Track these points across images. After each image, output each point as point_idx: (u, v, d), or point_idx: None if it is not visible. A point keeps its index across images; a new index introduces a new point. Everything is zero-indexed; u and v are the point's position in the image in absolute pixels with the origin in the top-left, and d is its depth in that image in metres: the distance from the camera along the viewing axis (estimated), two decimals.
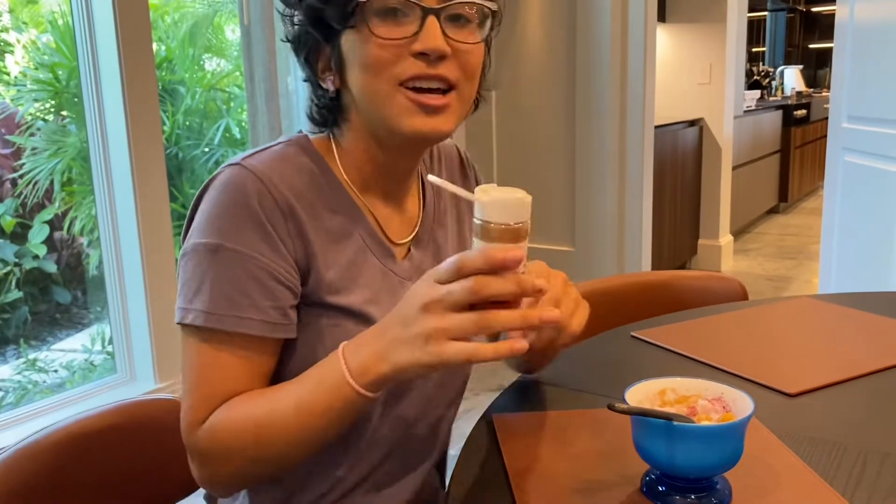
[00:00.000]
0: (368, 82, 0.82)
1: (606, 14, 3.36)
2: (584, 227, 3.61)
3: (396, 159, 0.91)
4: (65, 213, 2.76)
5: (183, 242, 0.84)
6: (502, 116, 3.73)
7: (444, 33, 0.81)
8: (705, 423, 0.72)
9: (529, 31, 3.60)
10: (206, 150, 3.00)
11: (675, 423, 0.68)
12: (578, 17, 3.44)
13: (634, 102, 3.46)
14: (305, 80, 0.91)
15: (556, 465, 0.81)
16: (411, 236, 0.95)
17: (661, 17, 4.43)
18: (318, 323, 0.85)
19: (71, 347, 2.84)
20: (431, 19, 0.80)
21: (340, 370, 0.73)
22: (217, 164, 3.05)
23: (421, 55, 0.80)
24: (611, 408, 0.67)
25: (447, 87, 0.83)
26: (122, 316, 2.33)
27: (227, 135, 3.05)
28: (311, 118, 0.92)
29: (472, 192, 0.69)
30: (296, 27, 0.87)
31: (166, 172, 2.30)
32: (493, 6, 0.85)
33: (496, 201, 0.68)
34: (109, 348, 2.46)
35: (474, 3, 0.83)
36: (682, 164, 4.26)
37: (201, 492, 1.02)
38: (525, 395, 1.02)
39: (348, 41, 0.83)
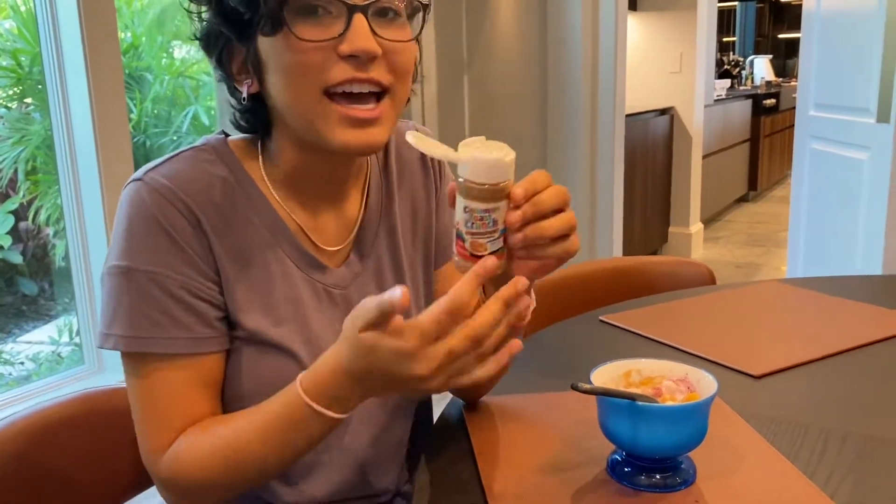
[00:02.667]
0: (291, 90, 0.75)
1: (577, 1, 3.36)
2: None
3: (331, 166, 0.85)
4: (30, 203, 2.71)
5: None
6: (474, 106, 3.72)
7: (373, 32, 0.73)
8: (669, 403, 0.72)
9: (501, 18, 3.59)
10: (175, 137, 2.96)
11: (639, 402, 0.68)
12: (549, 4, 3.44)
13: (605, 91, 3.47)
14: (220, 82, 0.83)
15: (523, 447, 0.82)
16: (348, 241, 0.88)
17: (633, 6, 4.44)
18: (235, 344, 0.82)
19: (38, 339, 2.80)
20: (358, 17, 0.73)
21: (315, 413, 0.70)
22: None
23: (349, 58, 0.73)
24: (574, 388, 0.67)
25: (379, 92, 0.76)
26: (89, 307, 2.29)
27: (196, 122, 3.01)
28: (236, 125, 0.84)
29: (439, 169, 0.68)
30: (204, 23, 0.79)
31: (133, 161, 2.27)
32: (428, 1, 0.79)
33: (477, 161, 0.66)
34: (77, 340, 2.43)
35: (422, 3, 0.78)
36: (652, 153, 4.28)
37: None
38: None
39: (265, 42, 0.75)
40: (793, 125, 3.04)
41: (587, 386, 0.67)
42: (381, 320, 0.64)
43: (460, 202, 0.69)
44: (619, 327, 1.20)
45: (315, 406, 0.69)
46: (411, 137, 0.69)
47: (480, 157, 0.66)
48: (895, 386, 0.97)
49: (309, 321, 0.84)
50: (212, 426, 0.77)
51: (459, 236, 0.70)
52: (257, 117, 0.82)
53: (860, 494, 0.72)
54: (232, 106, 0.83)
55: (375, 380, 0.67)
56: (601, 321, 1.23)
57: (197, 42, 0.81)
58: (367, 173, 0.92)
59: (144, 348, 0.76)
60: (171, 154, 0.82)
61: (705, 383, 0.74)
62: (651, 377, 0.77)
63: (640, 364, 0.78)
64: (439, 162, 0.98)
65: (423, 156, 0.96)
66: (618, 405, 0.70)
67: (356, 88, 0.75)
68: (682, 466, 0.74)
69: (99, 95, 2.13)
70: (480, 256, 0.68)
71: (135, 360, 0.78)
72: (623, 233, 3.71)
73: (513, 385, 0.98)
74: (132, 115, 2.87)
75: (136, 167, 2.30)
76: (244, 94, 0.79)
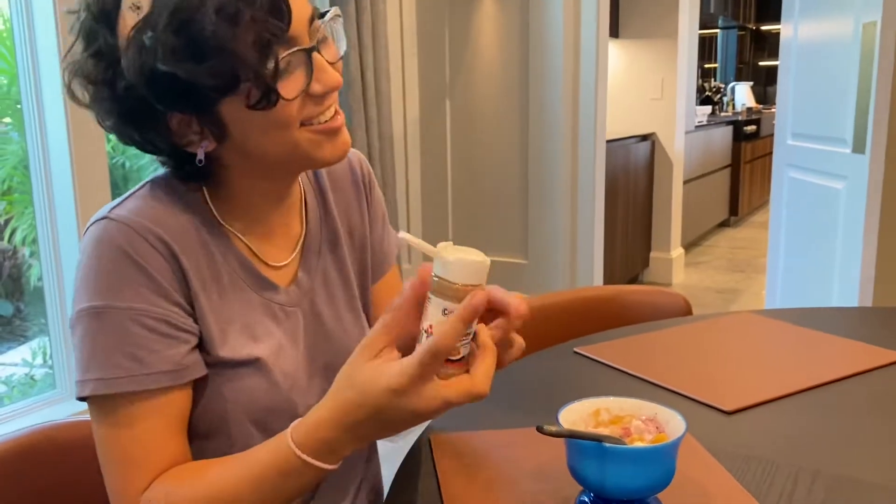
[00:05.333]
0: (269, 138, 0.76)
1: (559, 28, 3.39)
2: (537, 239, 3.62)
3: (279, 186, 0.86)
4: (6, 223, 2.68)
5: None
6: (456, 129, 3.73)
7: (329, 64, 0.77)
8: (637, 444, 0.72)
9: (483, 44, 3.61)
10: (153, 159, 2.94)
11: (606, 444, 0.68)
12: (531, 31, 3.47)
13: (586, 116, 3.49)
14: (154, 153, 0.81)
15: (490, 485, 0.80)
16: (294, 255, 0.90)
17: (614, 33, 4.49)
18: (209, 375, 0.81)
19: (11, 361, 2.76)
20: (316, 56, 0.76)
21: (306, 464, 0.70)
22: None
23: (318, 96, 0.77)
24: (540, 430, 0.66)
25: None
26: (62, 330, 2.26)
27: None
28: (177, 177, 0.83)
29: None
30: (128, 99, 0.74)
31: (111, 182, 2.25)
32: (339, 12, 0.81)
33: (464, 263, 0.68)
34: (51, 362, 2.39)
35: (336, 16, 0.80)
36: (634, 178, 4.31)
37: None
38: (465, 412, 1.01)
39: (232, 107, 0.74)
40: (773, 152, 3.07)
41: (553, 428, 0.66)
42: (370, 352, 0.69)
43: (438, 304, 0.68)
44: (592, 359, 1.19)
45: (307, 459, 0.69)
46: (404, 236, 0.71)
47: (468, 258, 0.68)
48: (866, 422, 0.97)
49: (270, 338, 0.85)
50: (191, 476, 0.75)
51: None
52: (203, 169, 0.80)
53: None
54: (166, 164, 0.82)
55: (370, 427, 0.69)
56: (575, 353, 1.22)
57: (108, 125, 0.78)
58: (302, 191, 0.93)
59: (126, 388, 0.74)
60: (128, 194, 0.81)
61: (674, 423, 0.73)
62: (620, 416, 0.76)
63: (608, 402, 0.77)
64: (368, 176, 1.01)
65: (352, 171, 0.99)
66: (585, 447, 0.69)
67: (326, 115, 0.79)
68: None
69: (76, 116, 2.11)
70: (453, 361, 0.69)
71: (109, 403, 0.75)
72: (604, 257, 3.71)
73: (482, 420, 0.96)
74: (111, 136, 2.85)
75: (114, 189, 2.29)
76: (201, 157, 0.78)
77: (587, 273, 3.58)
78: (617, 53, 4.54)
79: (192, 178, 0.82)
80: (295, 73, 0.75)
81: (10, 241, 2.71)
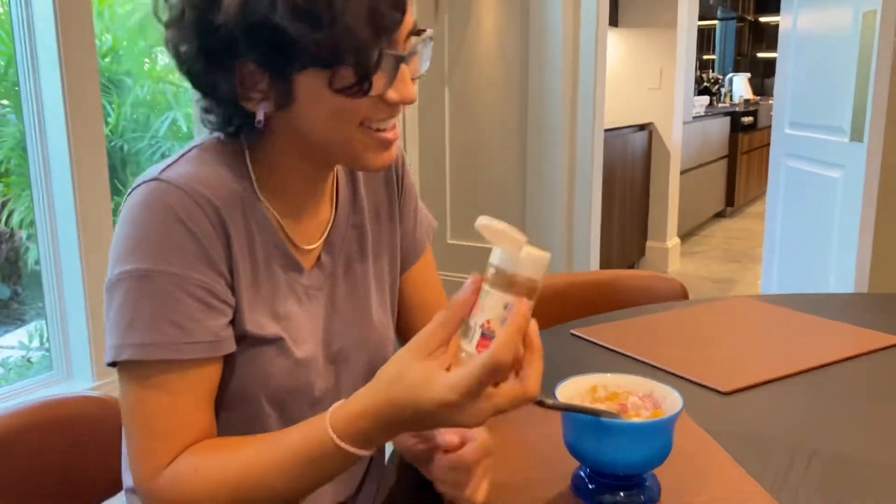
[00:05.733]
0: (331, 126, 0.76)
1: (559, 17, 3.38)
2: (534, 228, 3.63)
3: (319, 171, 0.85)
4: (3, 206, 2.67)
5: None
6: (455, 118, 3.72)
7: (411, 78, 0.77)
8: (634, 419, 0.72)
9: (482, 33, 3.60)
10: (153, 142, 2.94)
11: (603, 419, 0.68)
12: (531, 20, 3.46)
13: (585, 105, 3.49)
14: (204, 93, 0.79)
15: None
16: (321, 241, 0.88)
17: (613, 22, 4.48)
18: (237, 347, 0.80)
19: (8, 344, 2.76)
20: (404, 68, 0.75)
21: (342, 450, 0.68)
22: (163, 156, 2.99)
23: (390, 103, 0.76)
24: (539, 403, 0.66)
25: None
26: (60, 312, 2.26)
27: (175, 128, 2.99)
28: (221, 131, 0.81)
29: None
30: (215, 34, 0.72)
31: (109, 165, 2.25)
32: (433, 34, 0.80)
33: (530, 258, 0.64)
34: (47, 345, 2.39)
35: (430, 37, 0.79)
36: (631, 168, 4.31)
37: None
38: None
39: (309, 83, 0.73)
40: (770, 143, 3.07)
41: (551, 401, 0.67)
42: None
43: (499, 299, 0.65)
44: (589, 341, 1.20)
45: (344, 446, 0.67)
46: (484, 222, 0.67)
47: (536, 253, 0.65)
48: (862, 404, 0.98)
49: (292, 318, 0.84)
50: (222, 453, 0.74)
51: (488, 336, 0.65)
52: (250, 128, 0.79)
53: None
54: (209, 115, 0.81)
55: (412, 426, 0.67)
56: (572, 334, 1.23)
57: (178, 50, 0.76)
58: (335, 177, 0.92)
59: (165, 355, 0.72)
60: (175, 157, 0.79)
61: (671, 400, 0.74)
62: (617, 393, 0.77)
63: (606, 379, 0.77)
64: (402, 164, 0.99)
65: None
66: (582, 421, 0.70)
67: (388, 124, 0.78)
68: (647, 484, 0.74)
69: (73, 98, 2.11)
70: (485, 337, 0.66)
71: (143, 369, 0.73)
72: (601, 246, 3.72)
73: None
74: (110, 119, 2.84)
75: (112, 172, 2.28)
76: (261, 117, 0.76)
77: (584, 261, 3.59)
78: (616, 42, 4.53)
79: (236, 136, 0.81)
80: (380, 73, 0.73)
81: (7, 223, 2.71)
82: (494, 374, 0.63)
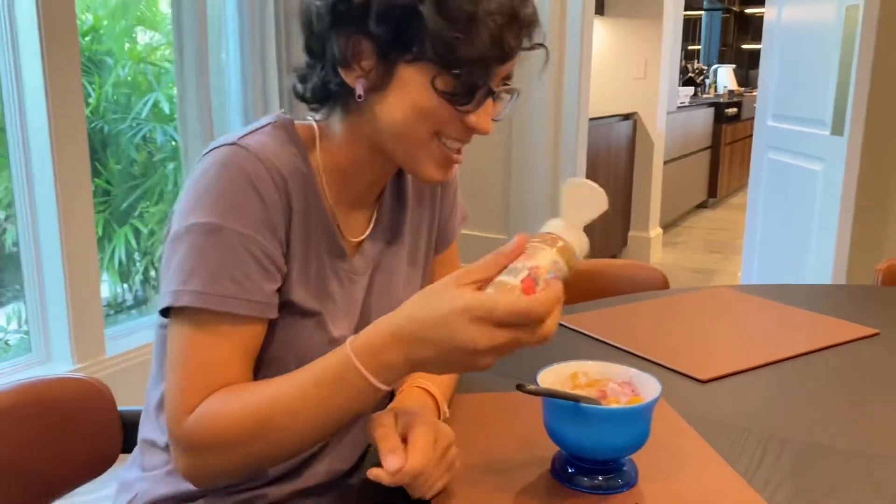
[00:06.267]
0: (409, 122, 0.79)
1: (546, 4, 3.38)
2: (518, 216, 3.64)
3: (385, 167, 0.88)
4: None
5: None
6: None
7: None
8: (613, 405, 0.73)
9: None
10: (134, 124, 2.91)
11: (583, 405, 0.69)
12: None
13: (570, 94, 3.49)
14: (312, 53, 0.83)
15: (468, 446, 0.81)
16: (365, 234, 0.92)
17: (599, 10, 4.48)
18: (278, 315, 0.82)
19: None
20: (490, 101, 0.80)
21: (359, 373, 0.68)
22: (145, 139, 2.96)
23: (467, 126, 0.80)
24: (520, 388, 0.67)
25: None
26: (38, 294, 2.25)
27: (156, 109, 2.96)
28: (311, 101, 0.86)
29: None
30: (348, 5, 0.77)
31: (89, 146, 2.23)
32: (520, 93, 0.86)
33: (582, 242, 0.71)
34: (25, 328, 2.37)
35: (517, 92, 0.85)
36: (615, 157, 4.32)
37: (109, 473, 1.00)
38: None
39: (412, 73, 0.77)
40: (753, 134, 3.10)
41: (532, 387, 0.68)
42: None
43: (549, 254, 0.69)
44: (571, 329, 1.21)
45: (363, 370, 0.68)
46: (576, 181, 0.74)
47: (585, 239, 0.71)
48: (835, 393, 1.00)
49: (332, 299, 0.87)
50: (249, 385, 0.76)
51: (534, 278, 0.67)
52: (336, 98, 0.83)
53: (796, 499, 0.73)
54: (305, 84, 0.85)
55: (427, 345, 0.66)
56: None
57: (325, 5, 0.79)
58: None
59: (220, 307, 0.75)
60: (251, 128, 0.83)
61: (649, 386, 0.75)
62: (597, 379, 0.77)
63: (586, 366, 0.78)
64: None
65: None
66: (562, 406, 0.71)
67: (457, 145, 0.83)
68: (625, 469, 0.75)
69: (54, 78, 2.08)
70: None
71: (197, 317, 0.75)
72: None
73: (461, 385, 0.98)
74: (90, 100, 2.81)
75: (93, 154, 2.25)
76: (360, 92, 0.79)
77: None
78: (601, 31, 4.54)
79: (318, 101, 0.85)
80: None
81: None
82: (525, 316, 0.64)
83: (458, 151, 0.83)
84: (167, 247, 0.78)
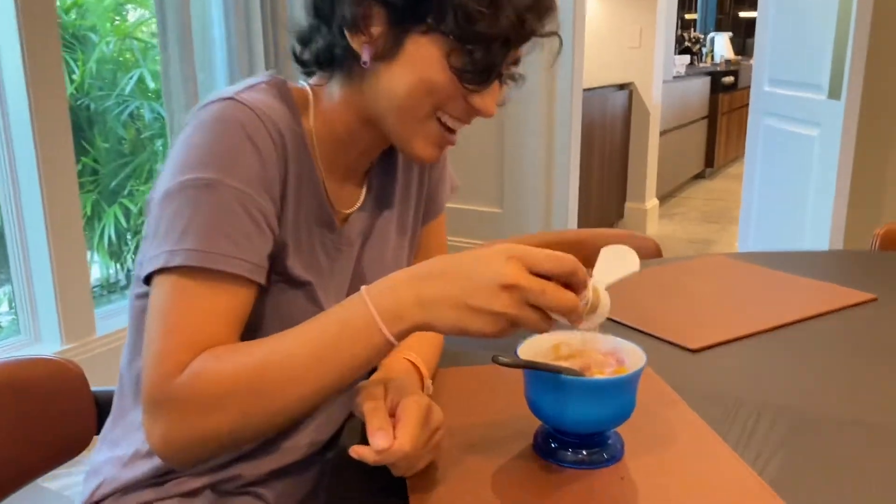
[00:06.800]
0: (413, 95, 0.76)
1: None
2: (512, 189, 3.60)
3: (378, 139, 0.85)
4: None
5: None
6: None
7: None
8: (596, 377, 0.70)
9: None
10: (119, 100, 2.86)
11: (564, 376, 0.66)
12: None
13: (564, 64, 3.44)
14: (319, 14, 0.80)
15: (446, 421, 0.78)
16: (355, 208, 0.88)
17: None
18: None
19: None
20: (497, 84, 0.79)
21: (368, 315, 0.64)
22: (132, 116, 2.91)
23: (471, 107, 0.79)
24: (496, 361, 0.64)
25: None
26: (25, 275, 2.21)
27: (142, 85, 2.91)
28: (310, 65, 0.83)
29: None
30: None
31: (75, 124, 2.18)
32: (525, 79, 0.85)
33: (605, 303, 0.69)
34: (15, 309, 2.35)
35: (523, 78, 0.84)
36: (610, 128, 4.27)
37: (80, 460, 0.97)
38: None
39: (421, 45, 0.75)
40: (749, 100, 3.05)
41: (508, 359, 0.64)
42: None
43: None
44: None
45: (373, 311, 0.64)
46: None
47: (608, 302, 0.69)
48: (831, 361, 0.97)
49: (320, 270, 0.83)
50: (241, 345, 0.70)
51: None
52: (338, 68, 0.80)
53: (788, 471, 0.71)
54: (307, 46, 0.82)
55: (445, 280, 0.63)
56: None
57: None
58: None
59: (215, 265, 0.70)
60: (245, 85, 0.79)
61: (635, 356, 0.71)
62: (581, 350, 0.74)
63: (569, 336, 0.75)
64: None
65: None
66: (543, 379, 0.68)
67: (458, 125, 0.81)
68: (610, 442, 0.72)
69: (33, 54, 2.03)
70: None
71: (190, 275, 0.70)
72: (579, 208, 3.70)
73: (441, 357, 0.95)
74: (74, 77, 2.76)
75: (79, 132, 2.21)
76: (366, 59, 0.76)
77: (562, 223, 3.57)
78: (595, 0, 4.46)
79: (319, 65, 0.82)
80: None
81: None
82: (561, 264, 0.63)
83: (454, 132, 0.80)
84: (155, 206, 0.73)
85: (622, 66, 4.51)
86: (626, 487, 0.67)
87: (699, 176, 6.42)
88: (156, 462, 0.82)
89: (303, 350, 0.66)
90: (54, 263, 2.15)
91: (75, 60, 2.79)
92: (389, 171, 0.93)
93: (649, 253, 1.52)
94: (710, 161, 6.42)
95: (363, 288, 0.66)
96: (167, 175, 0.73)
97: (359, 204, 0.88)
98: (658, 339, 1.02)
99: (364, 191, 0.89)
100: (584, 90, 3.62)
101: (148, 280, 0.72)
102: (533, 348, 0.73)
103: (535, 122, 3.47)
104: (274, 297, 0.79)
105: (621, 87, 4.39)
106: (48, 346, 2.22)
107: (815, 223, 2.44)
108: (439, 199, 1.01)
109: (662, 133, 4.87)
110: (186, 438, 0.67)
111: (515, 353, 0.70)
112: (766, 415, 0.81)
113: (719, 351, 0.99)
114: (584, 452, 0.70)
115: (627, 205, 4.66)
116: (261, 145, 0.73)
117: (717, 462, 0.71)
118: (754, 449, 0.74)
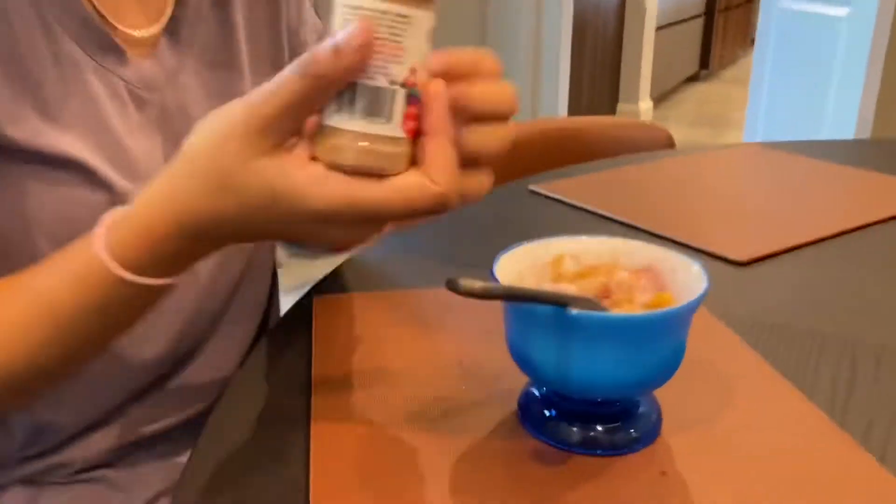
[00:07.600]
0: None
1: None
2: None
3: None
4: None
5: None
6: None
7: None
8: (623, 310, 0.43)
9: None
10: None
11: (571, 310, 0.38)
12: None
13: None
14: None
15: (386, 375, 0.52)
16: (157, 25, 0.58)
17: None
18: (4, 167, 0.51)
19: None
20: None
21: (106, 273, 0.42)
22: None
23: None
24: (452, 288, 0.36)
25: None
26: None
27: None
28: None
29: None
30: None
31: None
32: None
33: None
34: None
35: None
36: (603, 23, 3.93)
37: None
38: (377, 267, 0.72)
39: None
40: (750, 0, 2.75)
41: (476, 284, 0.36)
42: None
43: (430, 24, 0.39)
44: (553, 199, 0.90)
45: (124, 274, 0.42)
46: None
47: None
48: None
49: (113, 132, 0.54)
50: None
51: (416, 98, 0.38)
52: None
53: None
54: None
55: (243, 224, 0.40)
56: (531, 191, 0.93)
57: None
58: None
59: None
60: None
61: (684, 276, 0.44)
62: (595, 266, 0.47)
63: (577, 244, 0.47)
64: None
65: None
66: (535, 314, 0.40)
67: None
68: (640, 411, 0.45)
69: None
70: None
71: None
72: (569, 109, 3.41)
73: (396, 275, 0.68)
74: None
75: None
76: None
77: (551, 109, 3.29)
78: None
79: None
80: None
81: None
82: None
83: None
84: None
85: None
86: (670, 487, 0.41)
87: (693, 78, 6.07)
88: None
89: (47, 325, 0.45)
90: None
91: None
92: None
93: (661, 143, 1.25)
94: (705, 62, 6.06)
95: (102, 244, 0.42)
96: None
97: (167, 16, 0.58)
98: (689, 247, 0.75)
99: (172, 5, 0.59)
100: None
101: None
102: (520, 264, 0.45)
103: (523, 9, 3.14)
104: (25, 185, 0.51)
105: None
106: None
107: (838, 113, 2.16)
108: (302, 41, 0.69)
109: (659, 29, 4.52)
110: None
111: (492, 273, 0.43)
112: (858, 353, 0.55)
113: (773, 264, 0.72)
114: (600, 428, 0.44)
115: (620, 106, 4.37)
116: None
117: (809, 435, 0.45)
118: (857, 408, 0.48)
